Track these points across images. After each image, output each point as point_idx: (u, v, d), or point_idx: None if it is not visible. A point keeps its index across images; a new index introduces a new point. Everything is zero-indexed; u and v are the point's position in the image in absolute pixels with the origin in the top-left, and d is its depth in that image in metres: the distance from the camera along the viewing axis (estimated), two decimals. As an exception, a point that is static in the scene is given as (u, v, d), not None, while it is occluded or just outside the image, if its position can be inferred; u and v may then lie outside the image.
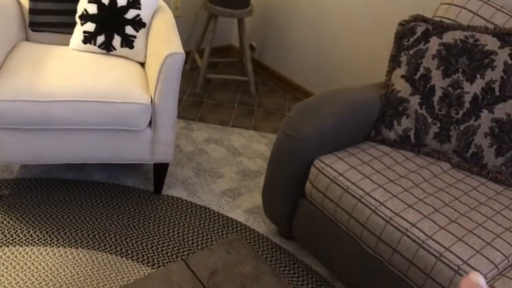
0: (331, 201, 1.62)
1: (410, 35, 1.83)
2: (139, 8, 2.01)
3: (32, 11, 2.04)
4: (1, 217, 1.86)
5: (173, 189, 2.17)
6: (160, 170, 2.06)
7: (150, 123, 1.91)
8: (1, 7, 1.93)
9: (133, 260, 1.79)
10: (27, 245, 1.76)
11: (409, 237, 1.43)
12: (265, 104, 3.02)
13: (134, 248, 1.84)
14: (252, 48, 3.37)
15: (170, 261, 1.81)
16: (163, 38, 1.93)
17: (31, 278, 1.64)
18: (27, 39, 2.13)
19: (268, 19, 3.20)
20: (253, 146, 2.59)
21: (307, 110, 1.68)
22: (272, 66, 3.28)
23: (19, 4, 2.07)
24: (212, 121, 2.75)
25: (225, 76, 3.01)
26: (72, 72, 1.84)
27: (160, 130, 1.92)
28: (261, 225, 2.06)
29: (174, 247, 1.88)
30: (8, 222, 1.84)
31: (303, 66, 3.05)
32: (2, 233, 1.79)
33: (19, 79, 1.75)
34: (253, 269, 1.31)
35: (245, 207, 2.14)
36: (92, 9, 1.99)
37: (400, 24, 1.85)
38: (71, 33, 2.09)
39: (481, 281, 0.90)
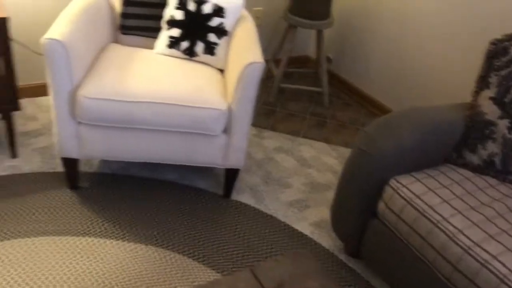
0: (405, 224, 1.55)
1: (503, 55, 1.72)
2: (223, 17, 2.05)
3: (123, 15, 2.15)
4: (80, 207, 1.97)
5: (241, 195, 2.19)
6: (231, 175, 2.09)
7: (225, 129, 1.94)
8: (96, 10, 2.05)
9: (198, 261, 1.82)
10: (101, 237, 1.85)
11: (489, 270, 1.34)
12: (338, 116, 2.98)
13: (201, 250, 1.87)
14: (328, 60, 3.34)
15: (235, 267, 1.82)
16: (244, 47, 1.96)
17: (103, 269, 1.72)
18: (116, 41, 2.24)
19: (347, 32, 3.16)
20: (323, 158, 2.55)
21: (386, 127, 1.63)
22: (348, 79, 3.23)
23: (112, 8, 2.19)
24: (283, 131, 2.75)
25: (299, 86, 3.00)
26: (155, 75, 1.92)
27: (234, 136, 1.95)
28: (327, 240, 2.02)
29: (239, 253, 1.89)
30: (86, 213, 1.94)
31: (381, 80, 2.97)
32: (80, 223, 1.89)
33: (107, 79, 1.84)
34: (320, 285, 1.28)
35: (312, 220, 2.12)
36: (179, 15, 2.06)
37: (492, 43, 1.75)
38: (157, 37, 2.18)
39: None
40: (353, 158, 1.70)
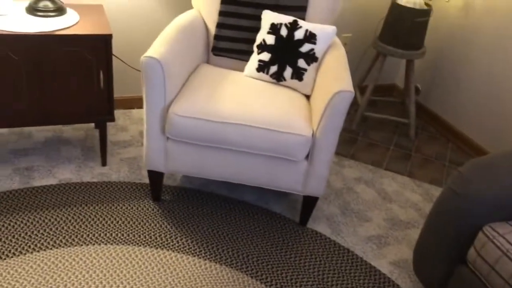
0: (500, 277, 1.43)
1: None
2: (314, 43, 2.05)
3: (216, 37, 2.22)
4: (160, 220, 2.02)
5: (318, 224, 2.14)
6: (309, 202, 2.05)
7: (308, 156, 1.92)
8: (192, 32, 2.13)
9: (271, 288, 1.79)
10: (178, 251, 1.88)
11: None
12: (423, 150, 2.84)
13: (274, 276, 1.84)
14: (417, 90, 3.22)
15: (307, 299, 1.77)
16: (333, 74, 1.94)
17: (178, 284, 1.74)
18: (208, 61, 2.31)
19: (439, 61, 3.03)
20: (406, 193, 2.44)
21: (485, 169, 1.52)
22: (436, 111, 3.09)
23: (206, 29, 2.27)
24: (364, 160, 2.67)
25: (384, 115, 2.91)
26: (244, 98, 1.94)
27: (316, 163, 1.92)
28: (407, 282, 1.91)
29: (313, 284, 1.84)
30: (166, 226, 1.99)
31: (473, 116, 2.81)
32: (159, 236, 1.94)
33: (198, 98, 1.90)
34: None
35: (391, 259, 2.01)
36: (270, 40, 2.08)
37: None
38: (247, 60, 2.22)
39: None
40: (444, 199, 1.60)
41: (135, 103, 2.78)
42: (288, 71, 2.07)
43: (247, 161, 1.92)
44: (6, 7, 1.99)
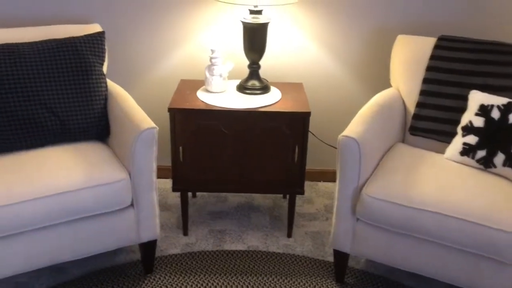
0: None
1: None
2: (534, 128, 1.79)
3: (415, 116, 2.12)
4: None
5: None
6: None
7: (522, 259, 1.63)
8: (389, 110, 2.09)
9: None
10: None
11: None
12: None
13: None
14: None
15: None
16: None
17: None
18: (403, 141, 2.22)
19: None
20: None
21: None
22: None
23: (405, 108, 2.19)
24: None
25: None
26: (444, 183, 1.78)
27: (533, 269, 1.62)
28: None
29: None
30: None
31: None
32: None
33: (393, 180, 1.80)
34: None
35: None
36: (478, 122, 1.90)
37: None
38: (448, 142, 2.05)
39: None
40: None
41: (323, 176, 2.80)
42: (499, 157, 1.84)
43: (444, 255, 1.72)
44: (222, 85, 2.24)
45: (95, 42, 2.08)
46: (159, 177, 2.72)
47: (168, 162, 2.29)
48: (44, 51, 1.99)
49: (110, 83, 2.17)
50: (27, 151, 1.97)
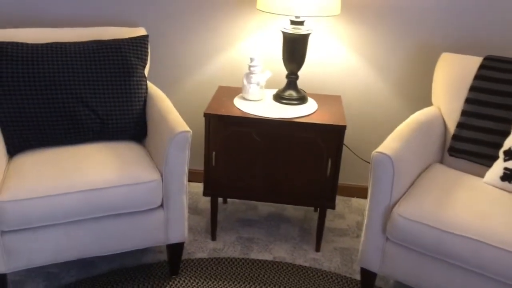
0: None
1: None
2: None
3: (455, 137, 2.05)
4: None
5: None
6: None
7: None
8: (428, 129, 2.03)
9: None
10: None
11: None
12: None
13: None
14: None
15: None
16: None
17: None
18: (441, 161, 2.15)
19: None
20: None
21: None
22: None
23: (445, 128, 2.12)
24: None
25: None
26: (482, 209, 1.71)
27: None
28: None
29: None
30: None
31: None
32: None
33: (427, 201, 1.75)
34: None
35: None
36: (522, 146, 1.82)
37: None
38: (489, 165, 1.97)
39: None
40: None
41: (356, 192, 2.75)
42: (542, 186, 1.75)
43: (478, 284, 1.65)
44: (259, 94, 2.25)
45: (139, 45, 2.14)
46: (193, 181, 2.76)
47: (201, 167, 2.32)
48: (89, 51, 2.06)
49: (150, 86, 2.23)
50: (67, 146, 2.04)
